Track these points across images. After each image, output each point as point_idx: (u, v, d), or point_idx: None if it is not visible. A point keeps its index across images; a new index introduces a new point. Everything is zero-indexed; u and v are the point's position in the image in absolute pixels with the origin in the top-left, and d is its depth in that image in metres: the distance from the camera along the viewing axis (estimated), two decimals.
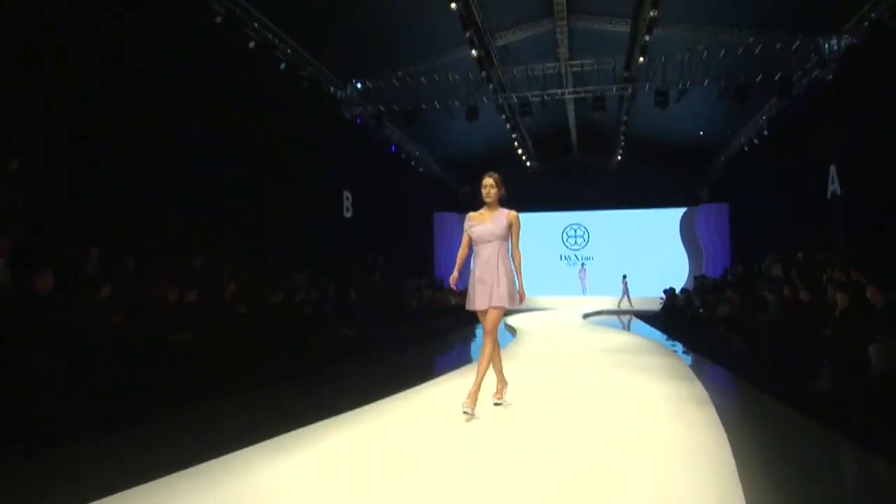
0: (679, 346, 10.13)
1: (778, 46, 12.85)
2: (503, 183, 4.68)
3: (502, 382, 4.89)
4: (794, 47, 12.84)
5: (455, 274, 4.78)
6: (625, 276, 20.50)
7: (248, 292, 8.25)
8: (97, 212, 7.70)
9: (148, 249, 7.82)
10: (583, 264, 22.58)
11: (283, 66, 12.74)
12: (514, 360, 7.78)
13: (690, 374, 6.81)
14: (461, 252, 4.82)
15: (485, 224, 4.61)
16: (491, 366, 4.63)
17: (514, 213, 4.64)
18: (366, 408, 4.78)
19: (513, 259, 4.66)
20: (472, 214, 4.75)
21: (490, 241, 4.57)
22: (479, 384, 4.40)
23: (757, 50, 12.96)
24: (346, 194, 15.58)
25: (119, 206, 8.15)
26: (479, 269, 4.60)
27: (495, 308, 4.52)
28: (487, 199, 4.62)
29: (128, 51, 8.73)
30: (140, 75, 8.98)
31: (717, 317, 11.33)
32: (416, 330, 11.90)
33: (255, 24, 11.79)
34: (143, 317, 6.26)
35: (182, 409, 5.05)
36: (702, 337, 11.09)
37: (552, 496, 2.84)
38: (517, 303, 4.61)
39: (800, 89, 13.70)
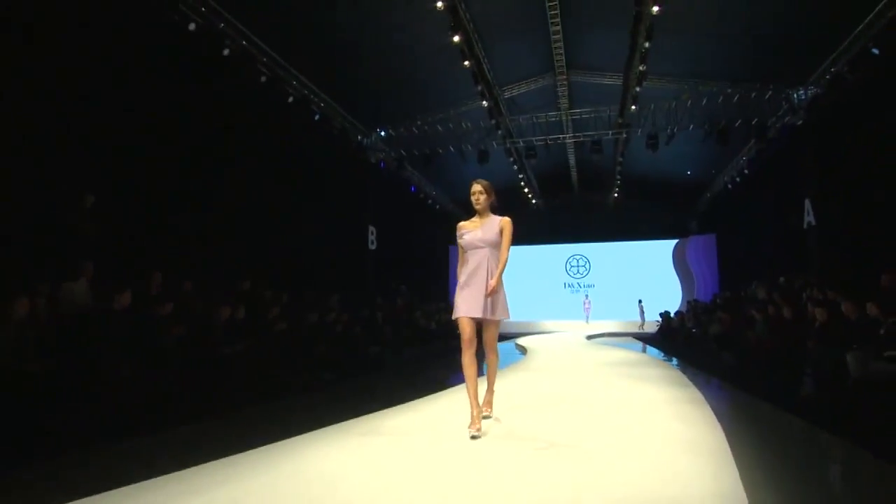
0: (675, 361, 10.12)
1: (753, 95, 13.16)
2: (493, 189, 4.15)
3: (492, 393, 4.34)
4: (766, 96, 13.14)
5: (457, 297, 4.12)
6: (640, 301, 20.44)
7: (288, 312, 8.45)
8: (160, 240, 7.98)
9: (203, 274, 8.06)
10: (587, 295, 22.20)
11: (317, 117, 13.18)
12: (527, 372, 7.87)
13: (687, 381, 6.86)
14: (460, 267, 4.18)
15: (475, 231, 4.08)
16: (487, 376, 4.25)
17: (506, 218, 4.09)
18: (387, 411, 4.75)
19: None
20: (462, 224, 4.20)
21: (480, 248, 4.02)
22: (493, 388, 4.23)
23: (735, 99, 13.28)
24: (371, 229, 15.86)
25: (178, 237, 8.44)
26: (466, 275, 4.02)
27: (494, 321, 4.03)
28: (477, 207, 4.11)
29: (188, 113, 9.13)
30: (200, 135, 9.46)
31: (709, 335, 11.36)
32: (433, 348, 11.98)
33: (294, 82, 12.26)
34: (200, 330, 6.45)
35: (232, 410, 5.19)
36: (696, 353, 11.11)
37: (561, 485, 2.82)
38: (505, 315, 4.05)
39: (774, 133, 13.94)
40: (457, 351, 4.06)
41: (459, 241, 4.14)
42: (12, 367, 4.52)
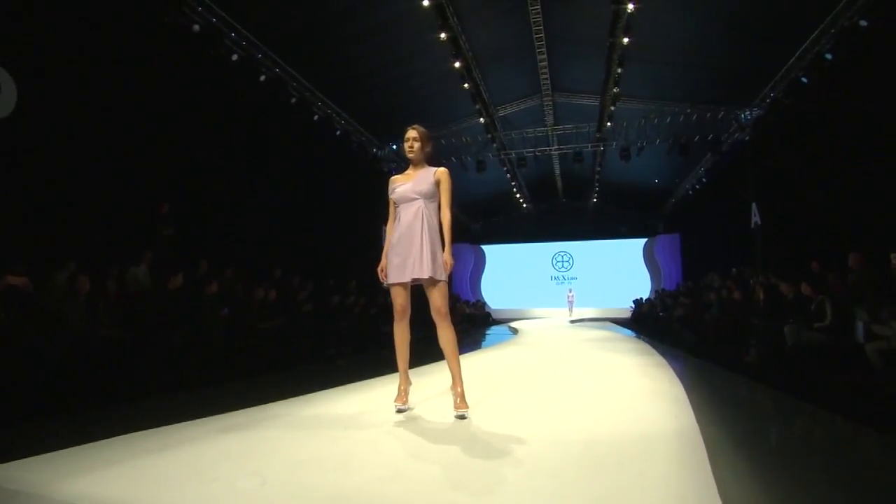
0: (644, 338, 10.28)
1: (708, 115, 13.31)
2: (430, 139, 3.21)
3: (459, 383, 3.04)
4: (720, 116, 13.28)
5: (383, 261, 3.11)
6: (570, 290, 20.52)
7: (314, 296, 8.61)
8: (212, 235, 8.18)
9: (242, 262, 8.23)
10: (570, 289, 21.65)
11: (338, 132, 13.35)
12: (518, 346, 8.05)
13: (653, 351, 7.03)
14: (389, 224, 3.21)
15: (407, 183, 3.11)
16: (446, 360, 3.06)
17: (443, 168, 3.15)
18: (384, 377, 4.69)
19: (441, 222, 3.09)
20: (394, 177, 3.23)
21: (413, 201, 3.05)
22: (460, 378, 3.04)
23: (694, 118, 13.42)
24: (385, 229, 16.00)
25: (227, 234, 8.65)
26: (397, 234, 3.04)
27: (438, 282, 2.96)
28: (411, 155, 3.16)
29: (232, 133, 9.36)
30: (243, 149, 9.69)
31: (673, 317, 11.52)
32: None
33: (319, 103, 12.42)
34: (240, 309, 6.61)
35: (266, 373, 5.38)
36: (662, 332, 11.26)
37: (542, 426, 2.84)
38: (445, 273, 3.00)
39: (726, 147, 14.06)
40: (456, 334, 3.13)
41: (391, 195, 3.17)
42: (88, 333, 4.71)
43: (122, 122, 7.00)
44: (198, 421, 2.96)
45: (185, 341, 5.35)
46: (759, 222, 11.83)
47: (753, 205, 12.10)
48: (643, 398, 3.66)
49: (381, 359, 6.82)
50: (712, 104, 13.13)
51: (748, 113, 12.90)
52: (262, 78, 10.43)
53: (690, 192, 18.14)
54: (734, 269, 11.85)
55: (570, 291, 21.43)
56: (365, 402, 3.54)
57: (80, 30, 6.52)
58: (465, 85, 12.00)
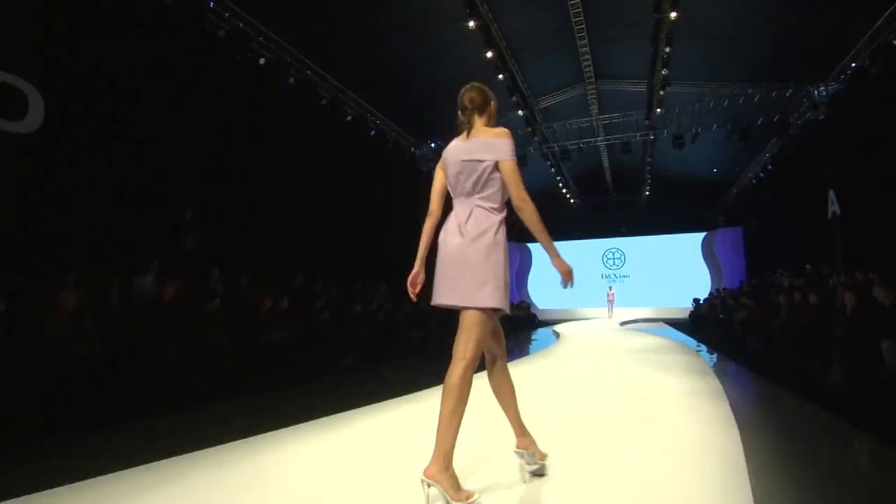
0: (701, 347, 8.96)
1: (774, 94, 11.62)
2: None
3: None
4: (787, 94, 11.57)
5: (417, 267, 2.31)
6: (611, 287, 18.64)
7: (337, 303, 8.02)
8: (234, 242, 7.80)
9: (264, 269, 7.79)
10: (610, 287, 19.26)
11: (373, 133, 12.78)
12: (551, 358, 7.07)
13: (707, 368, 5.87)
14: (429, 225, 2.27)
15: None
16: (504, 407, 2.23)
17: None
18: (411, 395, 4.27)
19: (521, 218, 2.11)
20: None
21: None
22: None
23: (756, 98, 11.80)
24: None
25: (251, 240, 8.26)
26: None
27: (472, 310, 2.01)
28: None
29: (260, 138, 9.03)
30: (273, 157, 9.30)
31: (735, 320, 10.10)
32: None
33: (353, 104, 11.91)
34: (246, 319, 6.08)
35: (280, 387, 4.86)
36: (722, 338, 9.89)
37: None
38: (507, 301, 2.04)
39: (796, 129, 12.28)
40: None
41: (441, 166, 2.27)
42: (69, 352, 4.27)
43: (143, 128, 6.80)
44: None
45: (181, 358, 4.85)
46: (839, 212, 10.14)
47: (831, 192, 10.42)
48: (682, 456, 2.67)
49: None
50: (778, 82, 11.45)
51: (823, 89, 11.12)
52: (291, 80, 10.02)
53: (754, 181, 16.27)
54: (808, 266, 10.26)
55: (611, 290, 19.28)
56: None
57: (106, 42, 6.40)
58: (500, 76, 11.08)
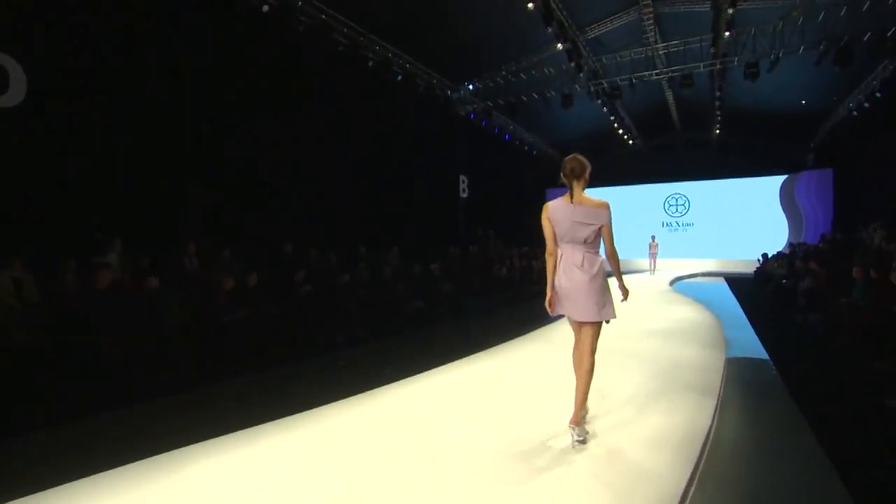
0: (750, 329, 6.72)
1: (888, 4, 8.86)
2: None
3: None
4: None
5: (551, 292, 2.87)
6: (654, 237, 15.74)
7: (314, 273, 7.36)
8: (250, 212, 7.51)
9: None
10: (653, 237, 15.89)
11: (399, 77, 11.56)
12: (550, 345, 5.91)
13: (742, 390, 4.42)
14: (552, 263, 2.87)
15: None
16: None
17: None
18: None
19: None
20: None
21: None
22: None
23: (864, 7, 9.10)
24: (463, 178, 14.26)
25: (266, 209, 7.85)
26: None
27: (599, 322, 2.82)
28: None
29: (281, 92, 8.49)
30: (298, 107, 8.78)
31: (799, 289, 8.33)
32: (503, 297, 10.01)
33: (377, 48, 10.73)
34: (204, 299, 5.57)
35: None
36: (779, 314, 8.21)
37: None
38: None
39: None
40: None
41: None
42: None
43: (132, 102, 6.42)
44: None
45: (120, 349, 4.45)
46: None
47: None
48: None
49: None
50: None
51: None
52: (301, 28, 9.01)
53: (855, 114, 13.26)
54: None
55: (653, 240, 15.85)
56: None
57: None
58: (530, 5, 9.37)
